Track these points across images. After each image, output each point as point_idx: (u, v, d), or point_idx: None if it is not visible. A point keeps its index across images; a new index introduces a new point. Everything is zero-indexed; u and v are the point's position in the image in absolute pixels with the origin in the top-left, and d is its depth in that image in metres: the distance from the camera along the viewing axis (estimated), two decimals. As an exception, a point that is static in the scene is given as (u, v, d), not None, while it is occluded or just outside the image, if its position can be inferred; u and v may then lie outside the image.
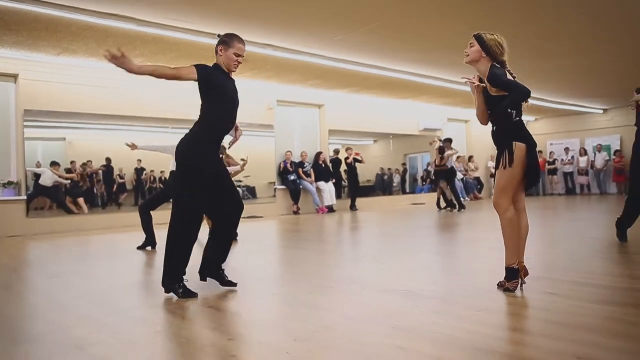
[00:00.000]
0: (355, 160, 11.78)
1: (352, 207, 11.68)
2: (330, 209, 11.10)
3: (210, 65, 3.21)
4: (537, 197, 16.01)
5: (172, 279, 3.07)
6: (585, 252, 4.48)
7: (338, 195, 11.73)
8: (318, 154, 11.54)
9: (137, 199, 10.21)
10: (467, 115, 15.56)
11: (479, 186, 15.24)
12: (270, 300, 2.97)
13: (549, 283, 3.16)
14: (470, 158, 15.47)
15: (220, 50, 3.21)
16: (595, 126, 16.24)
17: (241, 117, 10.44)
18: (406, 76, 9.68)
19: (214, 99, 3.18)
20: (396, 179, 20.50)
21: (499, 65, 2.96)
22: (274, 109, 10.81)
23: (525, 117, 12.63)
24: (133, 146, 5.78)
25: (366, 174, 16.64)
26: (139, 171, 10.46)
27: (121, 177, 10.31)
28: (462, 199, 14.13)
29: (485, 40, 2.95)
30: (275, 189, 11.05)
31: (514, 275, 2.96)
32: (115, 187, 10.19)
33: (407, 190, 18.69)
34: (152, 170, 10.90)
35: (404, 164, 20.50)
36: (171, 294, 3.06)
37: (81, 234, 7.69)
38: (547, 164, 16.38)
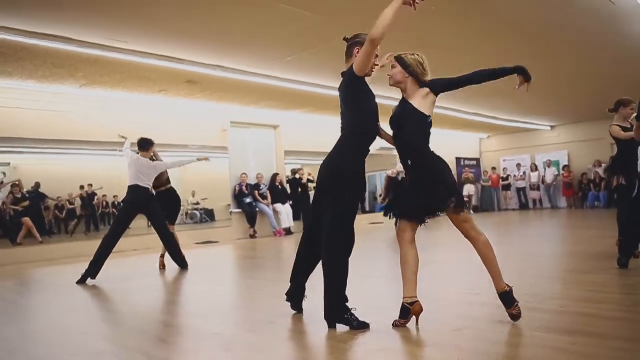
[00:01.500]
0: (309, 180, 11.69)
1: (309, 228, 11.46)
2: (288, 231, 10.91)
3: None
4: (492, 212, 16.35)
5: (341, 309, 2.82)
6: (532, 272, 4.49)
7: (298, 217, 11.55)
8: (274, 176, 11.37)
9: (89, 227, 9.75)
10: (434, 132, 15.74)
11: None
12: (207, 343, 2.76)
13: (495, 310, 3.09)
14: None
15: (358, 52, 2.88)
16: (544, 142, 16.80)
17: (194, 138, 10.04)
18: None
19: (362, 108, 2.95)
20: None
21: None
22: (227, 130, 10.61)
23: (477, 135, 12.71)
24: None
25: None
26: (90, 196, 9.90)
27: (71, 203, 9.80)
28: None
29: (406, 60, 2.90)
30: (230, 212, 10.79)
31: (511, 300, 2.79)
32: (64, 213, 9.64)
33: (367, 209, 18.71)
34: (104, 195, 10.45)
35: (362, 182, 20.58)
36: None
37: (18, 267, 7.20)
38: (500, 179, 16.80)
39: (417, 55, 2.92)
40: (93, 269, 5.24)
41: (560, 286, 3.90)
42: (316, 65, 7.40)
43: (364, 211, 16.47)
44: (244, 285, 5.05)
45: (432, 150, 2.94)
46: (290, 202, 11.30)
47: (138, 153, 5.79)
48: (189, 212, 11.67)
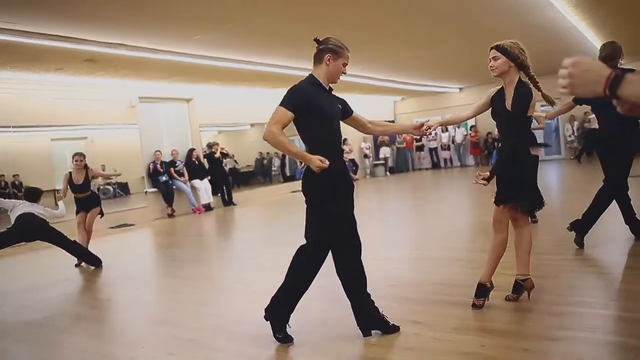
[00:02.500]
0: (223, 155, 11.46)
1: (229, 202, 11.33)
2: (208, 207, 10.69)
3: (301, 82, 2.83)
4: (407, 172, 17.07)
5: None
6: (447, 256, 4.71)
7: (215, 192, 11.31)
8: (190, 151, 10.98)
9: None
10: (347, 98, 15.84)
11: (354, 168, 15.76)
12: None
13: (415, 305, 3.25)
14: (344, 141, 15.88)
15: (328, 59, 2.79)
16: (454, 104, 17.57)
17: (101, 117, 9.39)
18: (277, 69, 9.48)
19: (314, 124, 2.77)
20: (276, 162, 20.46)
21: (524, 81, 2.98)
22: (136, 107, 10.00)
23: (392, 98, 13.04)
24: None
25: (246, 159, 16.34)
26: None
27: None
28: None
29: (508, 49, 2.92)
30: (146, 192, 10.34)
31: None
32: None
33: (288, 174, 18.78)
34: (2, 175, 9.64)
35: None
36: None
37: None
38: (414, 141, 17.46)
39: (514, 41, 2.96)
40: None
41: (469, 271, 4.07)
42: (225, 42, 7.09)
43: (285, 178, 16.55)
44: (162, 288, 4.86)
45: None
46: (209, 178, 11.03)
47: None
48: (101, 187, 11.05)
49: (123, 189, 11.09)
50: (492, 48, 2.97)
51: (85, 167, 5.96)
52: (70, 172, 5.94)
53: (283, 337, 2.83)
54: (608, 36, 7.88)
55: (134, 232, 8.81)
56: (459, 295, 3.30)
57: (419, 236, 6.02)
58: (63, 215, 5.72)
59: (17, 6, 4.96)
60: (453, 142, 17.10)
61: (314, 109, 2.72)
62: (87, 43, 6.35)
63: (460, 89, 17.32)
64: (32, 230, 5.20)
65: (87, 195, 6.01)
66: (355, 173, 15.66)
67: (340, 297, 2.96)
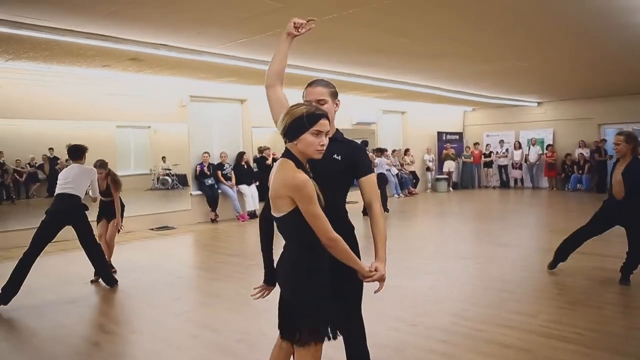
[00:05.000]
0: (275, 160, 10.95)
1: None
2: (253, 215, 10.23)
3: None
4: (472, 189, 15.84)
5: None
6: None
7: (263, 198, 10.83)
8: (241, 155, 10.55)
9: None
10: (403, 107, 14.97)
11: (414, 180, 14.81)
12: None
13: None
14: (406, 151, 14.97)
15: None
16: (530, 119, 16.12)
17: (151, 116, 8.80)
18: (330, 75, 8.85)
19: None
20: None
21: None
22: (187, 106, 9.70)
23: (461, 108, 12.10)
24: None
25: None
26: (52, 161, 9.16)
27: (31, 166, 9.13)
28: (397, 195, 13.70)
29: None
30: (190, 194, 10.04)
31: None
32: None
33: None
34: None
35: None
36: None
37: None
38: (483, 156, 16.19)
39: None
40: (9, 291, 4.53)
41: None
42: (272, 46, 6.49)
43: None
44: (206, 308, 4.36)
45: None
46: (257, 183, 10.56)
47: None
48: (161, 177, 10.93)
49: (181, 181, 10.88)
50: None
51: (107, 175, 5.59)
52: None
53: None
54: None
55: (175, 236, 8.48)
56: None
57: (475, 289, 5.12)
58: (97, 197, 5.42)
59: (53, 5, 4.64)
60: (526, 160, 15.67)
61: None
62: (126, 42, 6.01)
63: (539, 103, 15.84)
64: (67, 210, 4.85)
65: (111, 199, 5.64)
66: (415, 187, 14.71)
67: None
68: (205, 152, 10.07)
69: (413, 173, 14.89)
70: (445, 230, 8.72)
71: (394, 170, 13.94)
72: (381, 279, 2.17)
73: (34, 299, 4.79)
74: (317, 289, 2.00)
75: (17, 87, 7.67)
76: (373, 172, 2.38)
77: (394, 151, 14.60)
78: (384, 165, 12.13)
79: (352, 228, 2.42)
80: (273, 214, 2.03)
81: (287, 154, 2.02)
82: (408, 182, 14.53)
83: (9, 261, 5.95)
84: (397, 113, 15.36)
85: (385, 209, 10.09)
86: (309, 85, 2.37)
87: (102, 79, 8.30)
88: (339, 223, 2.15)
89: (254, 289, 2.42)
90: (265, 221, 2.30)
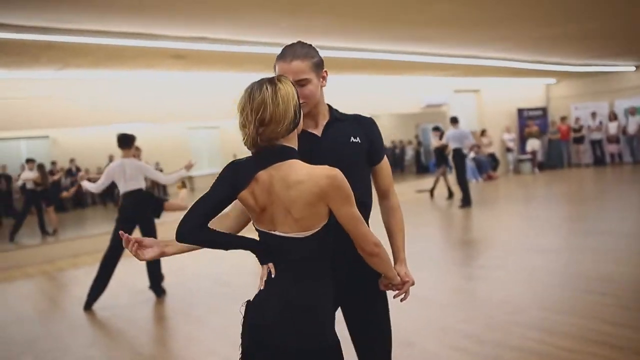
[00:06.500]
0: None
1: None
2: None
3: None
4: (561, 169, 14.33)
5: None
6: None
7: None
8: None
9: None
10: (477, 85, 13.79)
11: (494, 163, 13.64)
12: None
13: None
14: (482, 132, 13.81)
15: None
16: (626, 86, 14.22)
17: (206, 113, 8.21)
18: (390, 56, 8.18)
19: None
20: (409, 152, 18.99)
21: None
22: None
23: (545, 80, 10.59)
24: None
25: None
26: None
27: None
28: (476, 179, 12.66)
29: None
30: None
31: None
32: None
33: (423, 162, 17.43)
34: (146, 162, 10.08)
35: (416, 136, 18.89)
36: None
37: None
38: (572, 131, 14.56)
39: None
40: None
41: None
42: (314, 28, 6.00)
43: (419, 169, 15.28)
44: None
45: None
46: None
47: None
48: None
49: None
50: None
51: None
52: None
53: None
54: None
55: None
56: None
57: (563, 292, 4.28)
58: (169, 183, 5.22)
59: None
60: (624, 132, 13.87)
61: None
62: (165, 39, 5.77)
63: (637, 67, 13.92)
64: (138, 206, 4.72)
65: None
66: (495, 169, 13.54)
67: None
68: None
69: (492, 155, 13.71)
70: (530, 218, 7.73)
71: (471, 154, 12.89)
72: (408, 285, 1.74)
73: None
74: (332, 328, 1.53)
75: (81, 95, 7.78)
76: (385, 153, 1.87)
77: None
78: (466, 139, 9.32)
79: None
80: (291, 234, 1.46)
81: (287, 154, 1.47)
82: (487, 165, 13.41)
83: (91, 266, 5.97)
84: (470, 92, 14.21)
85: (467, 201, 8.80)
86: (280, 58, 1.66)
87: (170, 79, 8.27)
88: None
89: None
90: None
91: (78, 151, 13.53)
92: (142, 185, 4.82)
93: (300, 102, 1.55)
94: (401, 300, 1.72)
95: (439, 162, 10.43)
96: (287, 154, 1.46)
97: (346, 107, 1.89)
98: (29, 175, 8.49)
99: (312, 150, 1.61)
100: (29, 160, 8.75)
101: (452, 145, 9.18)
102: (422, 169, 17.33)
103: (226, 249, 1.51)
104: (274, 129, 1.43)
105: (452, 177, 10.29)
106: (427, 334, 3.36)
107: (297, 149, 1.51)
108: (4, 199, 12.30)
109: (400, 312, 3.74)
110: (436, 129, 10.69)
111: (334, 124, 1.76)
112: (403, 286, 1.70)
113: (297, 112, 1.47)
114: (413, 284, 1.73)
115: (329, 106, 1.81)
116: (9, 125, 7.45)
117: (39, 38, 5.22)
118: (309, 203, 1.42)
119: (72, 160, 13.52)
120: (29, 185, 8.51)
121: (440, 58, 9.04)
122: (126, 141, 4.86)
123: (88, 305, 4.63)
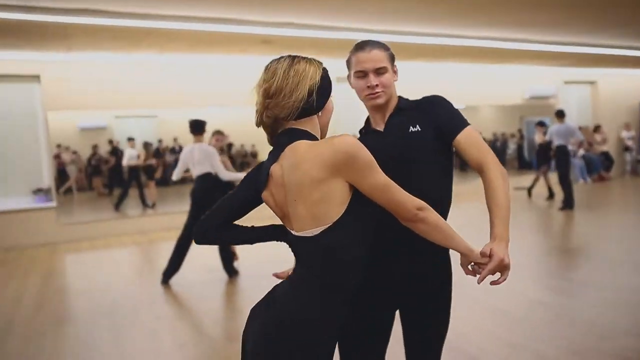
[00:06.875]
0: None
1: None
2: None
3: None
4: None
5: None
6: None
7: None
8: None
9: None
10: (592, 76, 12.47)
11: (607, 163, 12.30)
12: None
13: None
14: (596, 128, 12.49)
15: (349, 82, 1.74)
16: None
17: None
18: (491, 42, 7.62)
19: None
20: (511, 145, 17.84)
21: None
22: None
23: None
24: None
25: None
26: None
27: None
28: (584, 180, 11.52)
29: None
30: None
31: None
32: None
33: (525, 158, 16.36)
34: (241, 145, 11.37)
35: (519, 130, 17.65)
36: None
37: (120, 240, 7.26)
38: None
39: None
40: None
41: None
42: (405, 13, 5.68)
43: (521, 164, 14.36)
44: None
45: None
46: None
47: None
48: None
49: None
50: None
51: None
52: None
53: None
54: None
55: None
56: None
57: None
58: (226, 179, 5.09)
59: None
60: None
61: None
62: (252, 24, 5.82)
63: None
64: (208, 190, 4.83)
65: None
66: (608, 170, 12.22)
67: None
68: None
69: (605, 154, 12.37)
70: (642, 229, 6.82)
71: (580, 152, 11.72)
72: (502, 268, 1.35)
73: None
74: None
75: (180, 78, 8.17)
76: (468, 123, 1.60)
77: (579, 128, 12.29)
78: (572, 136, 8.33)
79: None
80: (299, 233, 1.27)
81: (295, 136, 1.29)
82: (598, 165, 12.13)
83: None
84: (583, 83, 12.89)
85: (569, 203, 8.06)
86: (358, 49, 1.62)
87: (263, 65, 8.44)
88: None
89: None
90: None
91: (180, 130, 14.44)
92: (210, 169, 4.88)
93: (379, 91, 1.57)
94: (491, 283, 1.38)
95: (540, 160, 9.64)
96: (295, 136, 1.28)
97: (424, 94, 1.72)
98: (132, 153, 9.14)
99: (375, 150, 1.45)
100: (130, 139, 9.38)
101: (555, 142, 8.39)
102: (524, 165, 16.21)
103: (251, 243, 1.43)
104: (278, 102, 1.27)
105: (554, 176, 9.43)
106: (494, 349, 3.05)
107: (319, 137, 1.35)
108: (116, 171, 13.48)
109: (467, 321, 3.46)
110: (541, 123, 9.85)
111: (396, 116, 1.65)
112: (488, 265, 1.34)
113: (313, 93, 1.28)
114: (505, 265, 1.34)
115: (399, 97, 1.70)
116: (123, 104, 7.99)
117: (139, 24, 5.52)
118: (317, 180, 1.20)
119: (175, 139, 14.41)
120: (131, 162, 9.17)
121: (547, 46, 8.26)
122: (197, 127, 4.97)
123: (164, 281, 4.87)
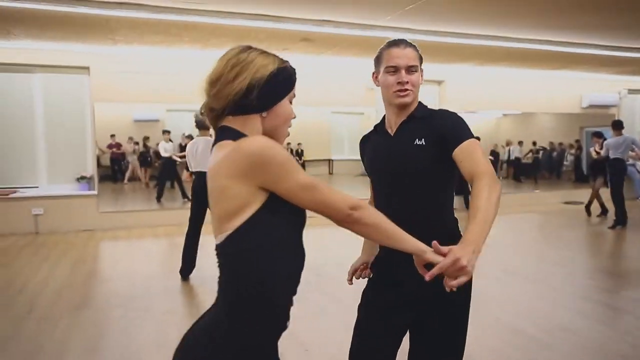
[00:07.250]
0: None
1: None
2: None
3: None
4: None
5: None
6: None
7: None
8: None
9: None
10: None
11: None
12: None
13: None
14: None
15: (375, 78, 1.74)
16: None
17: (339, 99, 8.23)
18: (543, 46, 7.21)
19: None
20: (569, 157, 16.99)
21: None
22: (374, 89, 9.17)
23: None
24: None
25: (524, 149, 14.13)
26: None
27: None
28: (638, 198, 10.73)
29: None
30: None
31: None
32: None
33: (583, 170, 15.48)
34: (288, 143, 10.97)
35: (577, 140, 16.75)
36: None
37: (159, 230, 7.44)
38: None
39: None
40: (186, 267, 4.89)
41: None
42: (447, 13, 5.43)
43: (578, 177, 13.71)
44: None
45: None
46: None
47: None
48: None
49: None
50: None
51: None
52: None
53: None
54: None
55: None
56: None
57: None
58: None
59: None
60: None
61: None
62: (290, 21, 5.78)
63: None
64: (197, 190, 4.82)
65: None
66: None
67: None
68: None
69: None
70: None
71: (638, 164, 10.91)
72: (458, 269, 1.21)
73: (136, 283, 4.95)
74: None
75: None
76: (471, 136, 1.54)
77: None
78: (631, 149, 7.82)
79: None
80: (216, 238, 1.17)
81: (223, 134, 1.18)
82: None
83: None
84: (650, 93, 12.00)
85: (622, 220, 7.58)
86: (393, 45, 1.64)
87: (312, 63, 8.37)
88: (445, 240, 1.30)
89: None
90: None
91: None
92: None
93: (409, 88, 1.58)
94: (448, 290, 1.25)
95: (595, 173, 8.99)
96: (223, 135, 1.16)
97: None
98: (166, 146, 9.30)
99: (384, 153, 1.63)
100: (165, 132, 9.43)
101: (611, 155, 7.82)
102: (580, 178, 15.33)
103: None
104: (213, 92, 1.18)
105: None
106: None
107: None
108: (167, 162, 13.91)
109: (487, 342, 3.23)
110: (597, 134, 9.16)
111: (409, 123, 1.65)
112: (441, 262, 1.21)
113: (254, 89, 1.16)
114: (461, 266, 1.20)
115: (419, 103, 1.71)
116: (170, 98, 8.06)
117: (180, 19, 5.59)
118: (224, 186, 1.09)
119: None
120: (166, 154, 9.31)
121: (609, 51, 7.72)
122: (202, 122, 4.93)
123: (183, 277, 4.85)
